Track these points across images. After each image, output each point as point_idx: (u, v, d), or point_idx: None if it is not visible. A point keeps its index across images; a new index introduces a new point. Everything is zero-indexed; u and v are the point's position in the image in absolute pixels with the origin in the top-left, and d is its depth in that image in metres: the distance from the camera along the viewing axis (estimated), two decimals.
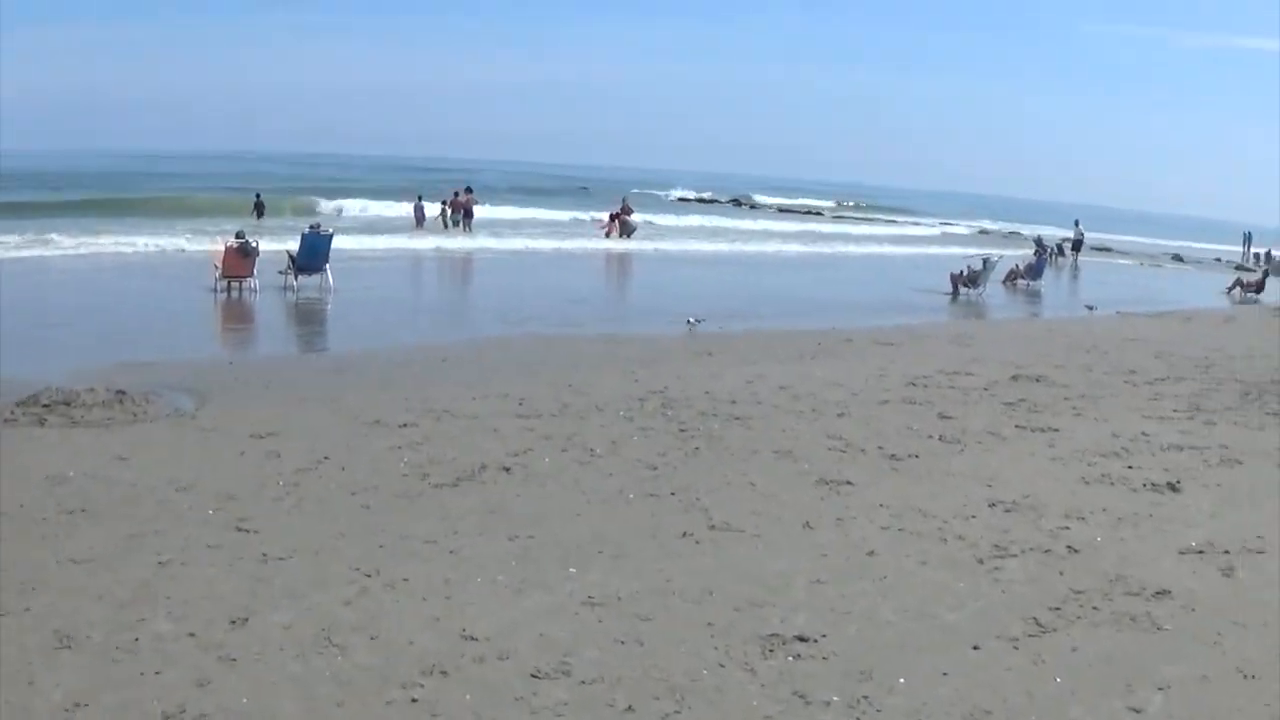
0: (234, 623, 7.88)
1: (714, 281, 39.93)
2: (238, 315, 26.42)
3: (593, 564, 9.23)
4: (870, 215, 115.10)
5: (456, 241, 48.41)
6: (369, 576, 8.80)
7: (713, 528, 10.32)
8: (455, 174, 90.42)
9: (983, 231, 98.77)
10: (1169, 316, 35.01)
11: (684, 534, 10.09)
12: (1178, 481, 12.65)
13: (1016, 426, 15.43)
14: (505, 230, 55.28)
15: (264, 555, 9.22)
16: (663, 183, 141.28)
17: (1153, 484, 12.55)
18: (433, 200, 55.67)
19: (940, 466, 13.04)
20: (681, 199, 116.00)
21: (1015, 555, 9.88)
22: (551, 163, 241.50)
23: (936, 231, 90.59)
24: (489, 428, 14.11)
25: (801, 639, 7.83)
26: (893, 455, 13.45)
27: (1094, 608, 8.71)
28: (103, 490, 10.96)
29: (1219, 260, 76.86)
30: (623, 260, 47.52)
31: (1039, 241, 60.38)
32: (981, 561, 9.67)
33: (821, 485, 11.94)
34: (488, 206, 62.68)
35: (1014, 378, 19.74)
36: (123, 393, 15.09)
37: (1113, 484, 12.55)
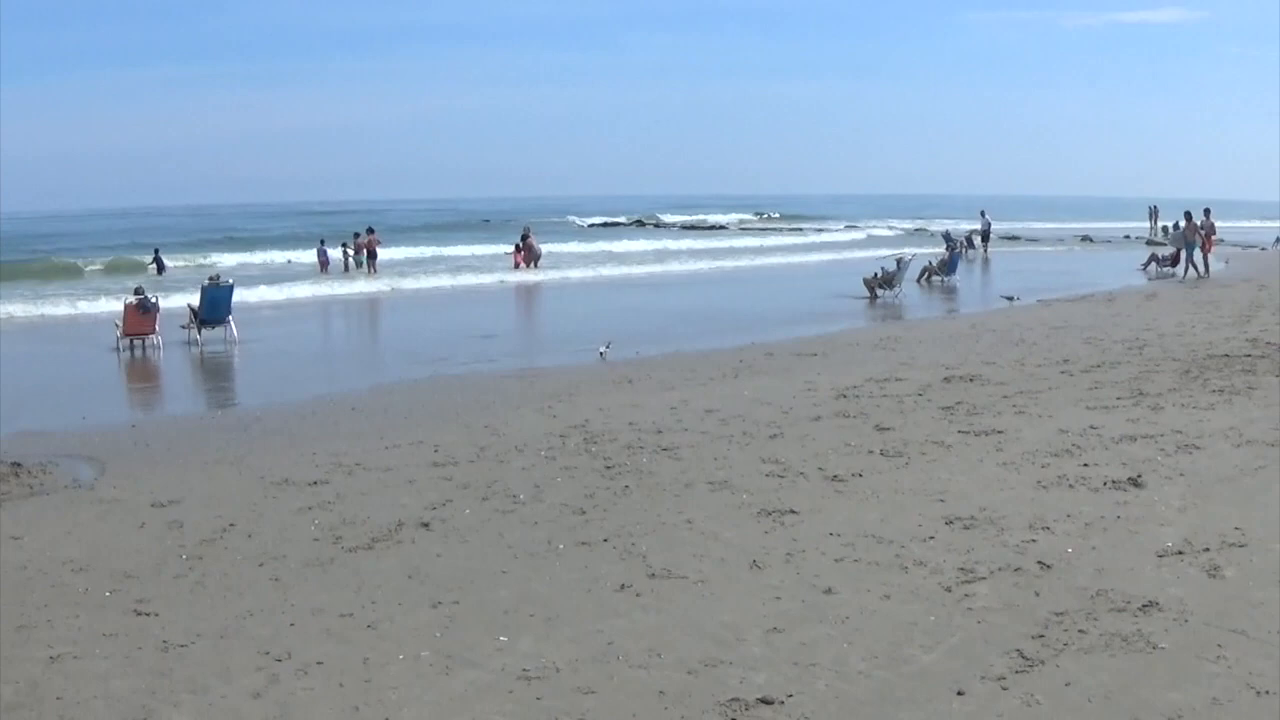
0: None
1: (626, 306, 39.06)
2: (140, 374, 25.22)
3: (525, 630, 8.32)
4: (775, 225, 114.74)
5: (361, 285, 47.22)
6: (280, 661, 7.86)
7: (652, 575, 9.43)
8: (355, 215, 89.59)
9: (891, 229, 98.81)
10: (1090, 300, 34.75)
11: (622, 586, 9.19)
12: (1139, 476, 11.98)
13: (959, 432, 14.71)
14: (410, 269, 54.44)
15: (164, 643, 8.26)
16: (567, 209, 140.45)
17: (1113, 481, 11.87)
18: (334, 245, 54.58)
19: (887, 484, 12.25)
20: (593, 225, 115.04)
21: (984, 578, 9.08)
22: (451, 198, 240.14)
23: (846, 237, 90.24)
24: (404, 479, 13.19)
25: (766, 701, 6.95)
26: (835, 476, 12.65)
27: (1080, 631, 7.92)
28: None
29: (1128, 237, 77.34)
30: (531, 291, 46.43)
31: (947, 236, 60.25)
32: (949, 589, 8.85)
33: (764, 517, 11.10)
34: (392, 247, 61.59)
35: (946, 379, 19.11)
36: (18, 465, 14.22)
37: (1071, 486, 11.83)
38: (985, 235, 64.32)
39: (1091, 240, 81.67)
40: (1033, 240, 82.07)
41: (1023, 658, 7.49)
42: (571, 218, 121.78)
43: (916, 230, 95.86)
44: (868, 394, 18.00)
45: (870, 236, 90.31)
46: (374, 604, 8.97)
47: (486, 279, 50.02)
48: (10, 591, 9.57)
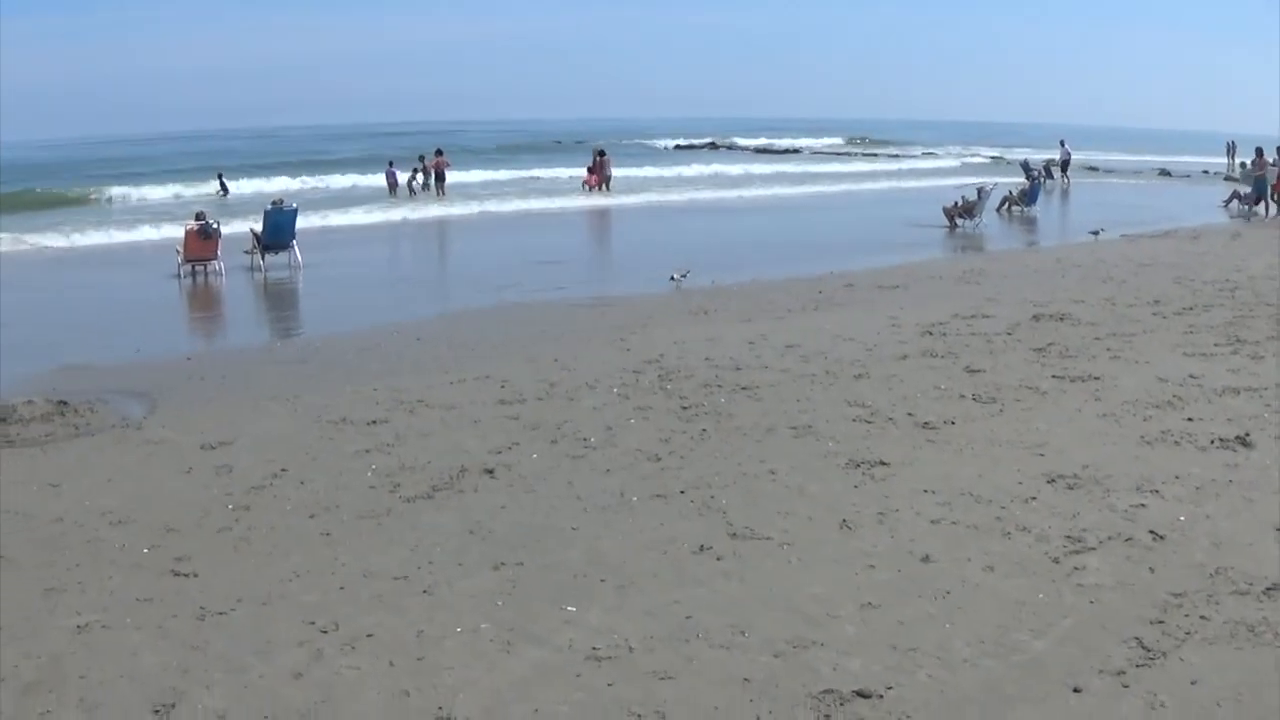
0: (157, 712, 6.35)
1: (701, 231, 38.29)
2: (200, 302, 24.70)
3: (595, 598, 7.68)
4: (852, 150, 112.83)
5: (430, 209, 46.15)
6: (325, 633, 7.26)
7: (734, 536, 8.77)
8: (426, 137, 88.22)
9: (968, 158, 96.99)
10: (1175, 236, 33.53)
11: (701, 547, 8.53)
12: (1247, 435, 11.17)
13: (1054, 377, 13.94)
14: (480, 192, 53.25)
15: (202, 610, 7.68)
16: (644, 132, 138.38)
17: (1221, 439, 11.08)
18: (404, 168, 53.80)
19: (981, 433, 11.53)
20: (676, 147, 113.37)
21: (1093, 548, 8.37)
22: (525, 119, 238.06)
23: (925, 164, 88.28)
24: (468, 419, 12.58)
25: (863, 695, 6.29)
26: (926, 423, 11.94)
27: (1202, 617, 7.20)
28: (25, 530, 9.44)
29: (1207, 173, 75.20)
30: (604, 216, 45.47)
31: (1026, 165, 58.79)
32: (1057, 561, 8.14)
33: (852, 469, 10.42)
34: (462, 170, 60.58)
35: (1035, 317, 18.26)
36: (64, 403, 13.60)
37: (1177, 443, 11.07)
38: (1065, 165, 62.80)
39: (1169, 174, 79.61)
40: (1110, 171, 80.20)
41: (1142, 648, 6.79)
42: (650, 140, 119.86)
43: (994, 159, 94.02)
44: (955, 331, 17.23)
45: (954, 165, 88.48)
46: (431, 564, 8.36)
47: (558, 202, 48.89)
48: (41, 548, 8.98)
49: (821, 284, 22.97)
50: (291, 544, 8.92)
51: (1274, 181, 42.43)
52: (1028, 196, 43.78)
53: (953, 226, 36.23)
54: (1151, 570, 7.96)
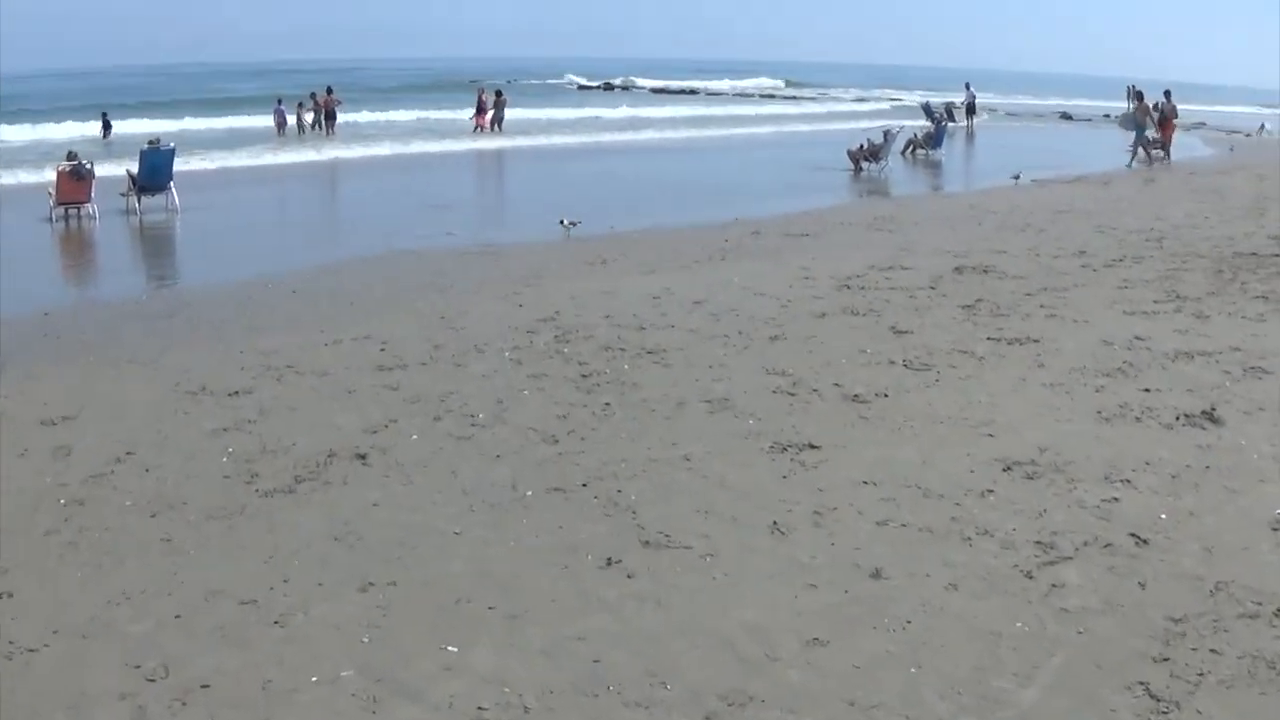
0: None
1: (598, 176, 36.46)
2: (67, 250, 22.81)
3: (482, 631, 6.31)
4: (748, 93, 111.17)
5: (317, 151, 43.31)
6: (152, 681, 5.87)
7: (646, 544, 7.43)
8: (328, 75, 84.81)
9: (859, 100, 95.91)
10: (1086, 182, 32.65)
11: (608, 561, 7.18)
12: (1213, 410, 10.09)
13: (989, 339, 12.79)
14: (371, 133, 50.74)
15: (10, 647, 6.24)
16: (553, 72, 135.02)
17: (1185, 415, 9.98)
18: (294, 108, 51.75)
19: (919, 408, 10.33)
20: (582, 87, 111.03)
21: (1069, 557, 7.15)
22: (441, 57, 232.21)
23: (821, 109, 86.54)
24: (342, 388, 11.17)
25: None
26: (856, 395, 10.72)
27: (1212, 651, 6.02)
28: None
29: (1108, 116, 74.54)
30: (497, 159, 43.49)
31: (927, 108, 57.70)
32: (1031, 576, 6.90)
33: (778, 453, 9.16)
34: (357, 111, 58.01)
35: (958, 270, 17.19)
36: None
37: (1138, 419, 9.94)
38: (970, 108, 61.64)
39: (1071, 118, 79.21)
40: (1012, 114, 79.54)
41: (1150, 696, 5.60)
42: (554, 80, 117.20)
43: (894, 103, 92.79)
44: (873, 285, 16.04)
45: (856, 110, 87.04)
46: (287, 583, 6.94)
47: (449, 145, 46.20)
48: None
49: (726, 232, 21.68)
50: (126, 552, 7.48)
51: (1161, 128, 41.34)
52: (933, 140, 42.85)
53: (857, 170, 35.29)
54: (1141, 586, 6.74)
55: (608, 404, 10.46)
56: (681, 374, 11.48)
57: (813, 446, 9.26)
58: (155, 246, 23.28)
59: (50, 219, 24.32)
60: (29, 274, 19.34)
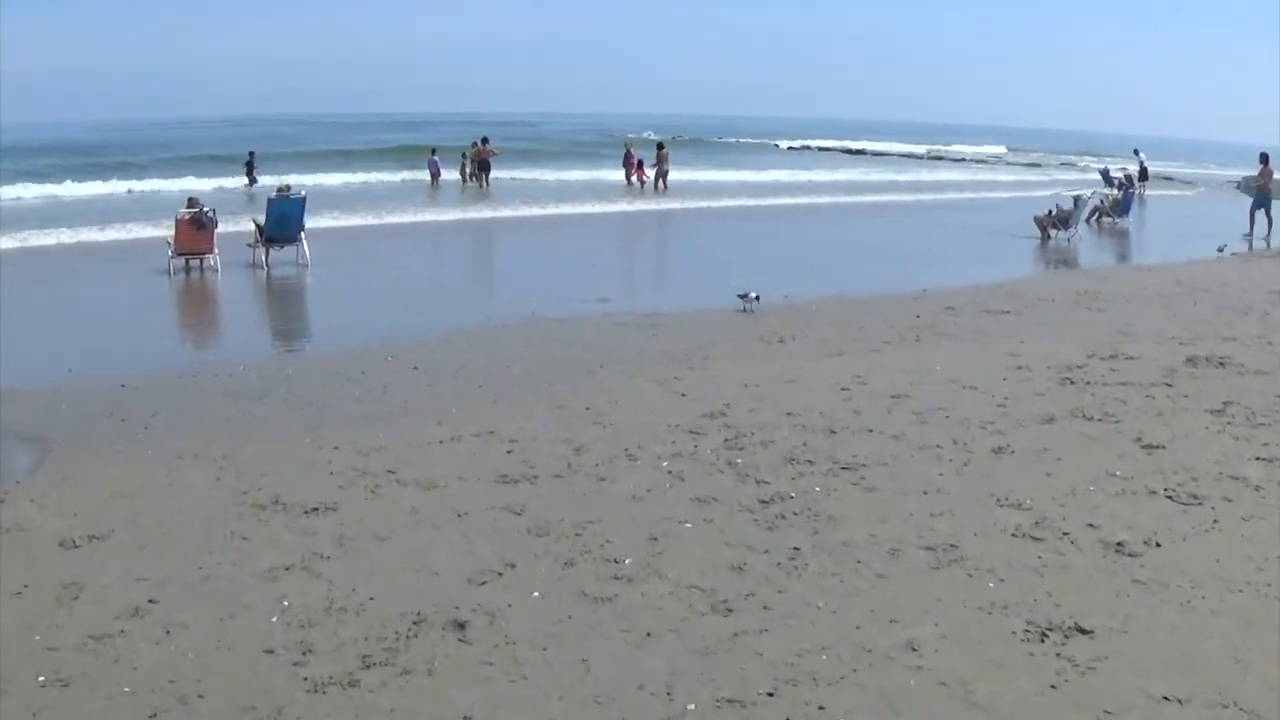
0: None
1: (772, 239, 33.33)
2: (175, 306, 20.67)
3: None
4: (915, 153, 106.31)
5: (462, 211, 39.75)
6: None
7: None
8: (496, 128, 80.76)
9: (1034, 164, 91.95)
10: None
11: None
12: None
13: (1258, 459, 10.05)
14: (531, 192, 46.70)
15: None
16: (769, 131, 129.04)
17: None
18: (449, 164, 49.66)
19: (1204, 567, 7.67)
20: (792, 147, 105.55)
21: None
22: (601, 113, 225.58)
23: (996, 177, 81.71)
24: (451, 509, 8.70)
25: None
26: (1120, 545, 8.03)
27: None
28: None
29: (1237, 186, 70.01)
30: (661, 220, 39.87)
31: (1106, 174, 54.60)
32: None
33: (1036, 640, 6.53)
34: (516, 168, 54.95)
35: (1190, 361, 14.47)
36: None
37: None
38: (1143, 174, 57.95)
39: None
40: (1186, 182, 75.30)
41: None
42: (779, 141, 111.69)
43: (1062, 164, 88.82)
44: (1098, 379, 13.31)
45: (1021, 168, 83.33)
46: None
47: (608, 207, 41.83)
48: None
49: (917, 305, 18.96)
50: None
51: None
52: (1120, 207, 39.73)
53: (1045, 238, 32.44)
54: None
55: (797, 550, 7.84)
56: (889, 502, 8.84)
57: (1082, 630, 6.57)
58: (273, 305, 21.24)
59: (169, 271, 22.25)
60: (121, 332, 17.18)
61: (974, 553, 7.78)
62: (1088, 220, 37.14)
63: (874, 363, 14.19)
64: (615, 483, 9.30)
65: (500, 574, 7.38)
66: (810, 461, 9.83)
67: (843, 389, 12.65)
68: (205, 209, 23.18)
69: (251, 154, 48.55)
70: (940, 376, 13.36)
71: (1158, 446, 10.46)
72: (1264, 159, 35.50)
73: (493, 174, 47.54)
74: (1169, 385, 13.03)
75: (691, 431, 10.82)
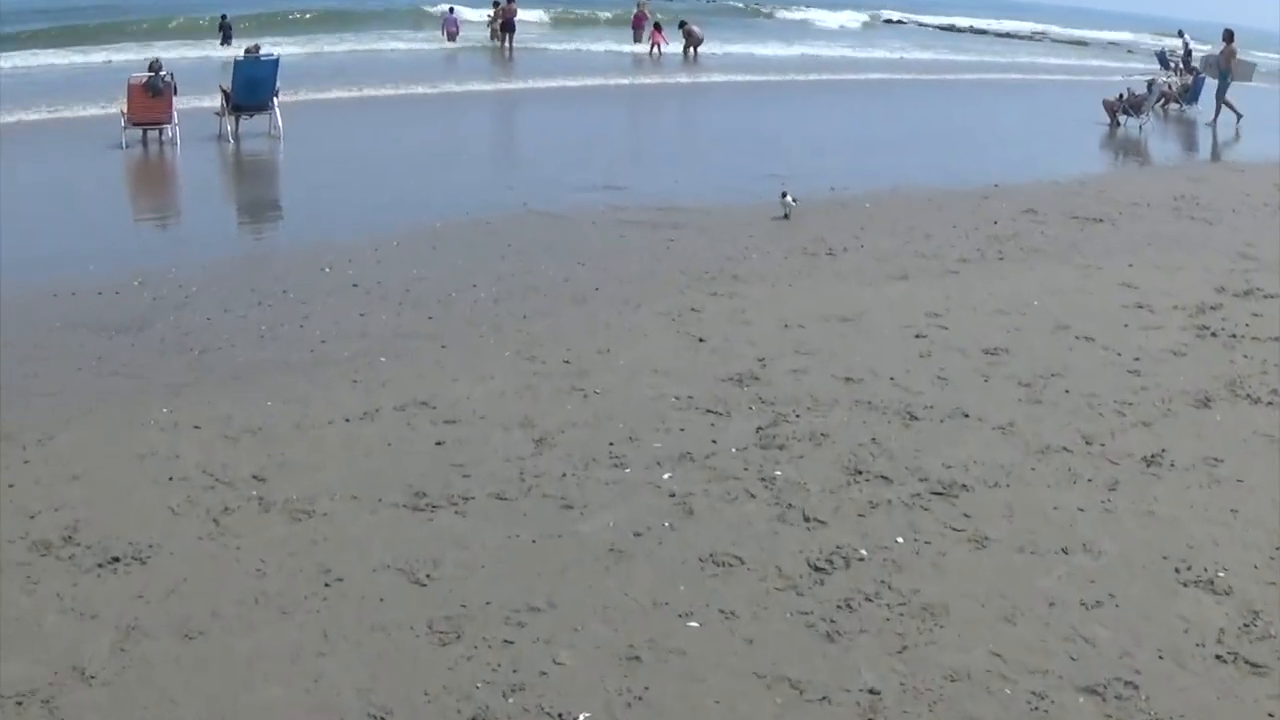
0: None
1: (813, 118, 29.55)
2: (118, 189, 17.17)
3: None
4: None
5: (485, 80, 34.75)
6: None
7: None
8: None
9: (1079, 42, 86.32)
10: None
11: None
12: None
13: None
14: (553, 64, 40.28)
15: None
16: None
17: None
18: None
19: None
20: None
21: None
22: None
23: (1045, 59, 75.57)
24: (312, 579, 5.52)
25: None
26: None
27: None
28: None
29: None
30: (692, 94, 34.87)
31: (1163, 57, 50.68)
32: None
33: None
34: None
35: None
36: None
37: None
38: (1187, 58, 53.08)
39: None
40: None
41: None
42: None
43: (1110, 44, 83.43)
44: (1243, 329, 10.19)
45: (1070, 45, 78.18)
46: None
47: (632, 79, 36.81)
48: None
49: (991, 207, 15.66)
50: None
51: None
52: (1190, 93, 36.01)
53: (1115, 124, 29.37)
54: None
55: (875, 695, 4.59)
56: (1011, 573, 5.68)
57: None
58: (218, 191, 17.68)
59: (122, 144, 19.02)
60: (57, 229, 13.75)
61: (1158, 696, 4.57)
62: (1153, 106, 33.77)
63: (952, 291, 11.01)
64: (584, 517, 6.08)
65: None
66: (885, 478, 6.61)
67: (917, 336, 9.50)
68: (163, 73, 19.82)
69: (224, 15, 43.17)
70: (1042, 318, 10.23)
71: None
72: (1228, 36, 33.20)
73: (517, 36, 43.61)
74: None
75: (710, 411, 7.62)
